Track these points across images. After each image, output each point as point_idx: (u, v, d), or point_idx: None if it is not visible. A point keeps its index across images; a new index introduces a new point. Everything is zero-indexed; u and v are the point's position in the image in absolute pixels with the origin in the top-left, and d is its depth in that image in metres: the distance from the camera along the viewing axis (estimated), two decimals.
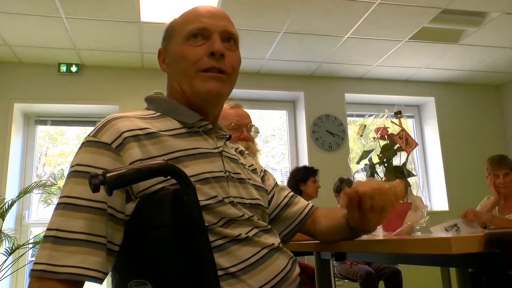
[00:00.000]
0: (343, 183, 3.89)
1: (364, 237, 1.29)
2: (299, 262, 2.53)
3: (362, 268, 3.44)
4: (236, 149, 1.21)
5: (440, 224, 2.24)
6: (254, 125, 2.08)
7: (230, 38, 1.08)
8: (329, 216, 1.25)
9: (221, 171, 1.00)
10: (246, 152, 1.26)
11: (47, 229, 0.85)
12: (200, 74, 1.03)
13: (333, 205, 3.97)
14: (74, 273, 0.81)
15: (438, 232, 2.07)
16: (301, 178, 3.78)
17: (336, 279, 3.72)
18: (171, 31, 1.11)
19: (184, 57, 1.04)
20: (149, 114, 1.04)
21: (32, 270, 0.82)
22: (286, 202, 1.25)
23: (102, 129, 0.93)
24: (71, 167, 0.90)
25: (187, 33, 1.05)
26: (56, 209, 0.87)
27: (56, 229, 0.84)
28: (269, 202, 1.23)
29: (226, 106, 2.03)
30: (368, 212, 1.02)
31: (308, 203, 1.29)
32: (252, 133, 2.05)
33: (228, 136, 1.13)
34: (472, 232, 1.36)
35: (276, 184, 1.29)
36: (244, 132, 1.99)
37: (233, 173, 1.04)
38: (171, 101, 1.09)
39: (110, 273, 0.91)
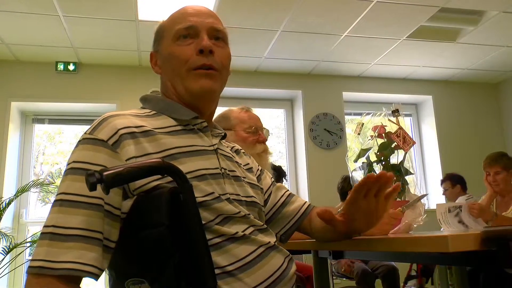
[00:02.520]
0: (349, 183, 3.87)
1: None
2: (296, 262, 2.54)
3: (359, 266, 3.44)
4: (232, 147, 1.21)
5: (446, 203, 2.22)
6: (265, 128, 2.14)
7: (218, 35, 1.09)
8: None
9: (217, 168, 1.01)
10: (242, 151, 1.26)
11: (44, 226, 0.85)
12: (191, 73, 1.04)
13: (332, 204, 3.97)
14: (72, 269, 0.81)
15: (442, 209, 1.99)
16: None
17: (333, 277, 3.73)
18: (160, 33, 1.12)
19: (174, 57, 1.05)
20: (145, 113, 1.05)
21: (30, 267, 0.82)
22: (283, 201, 1.25)
23: (99, 127, 0.93)
24: (68, 164, 0.91)
25: (175, 33, 1.06)
26: (53, 206, 0.87)
27: (53, 226, 0.84)
28: (266, 201, 1.23)
29: (237, 109, 2.10)
30: (371, 201, 0.99)
31: (305, 202, 1.29)
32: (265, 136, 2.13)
33: (223, 134, 1.13)
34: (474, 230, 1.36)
35: (273, 183, 1.29)
36: (261, 135, 2.06)
37: (229, 171, 1.05)
38: (166, 99, 1.10)
39: (107, 271, 0.91)
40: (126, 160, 0.90)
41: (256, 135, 2.02)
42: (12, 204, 3.91)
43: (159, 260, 0.79)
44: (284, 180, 3.85)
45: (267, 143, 2.10)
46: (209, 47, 1.04)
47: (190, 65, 1.04)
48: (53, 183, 4.43)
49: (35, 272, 0.81)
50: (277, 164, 4.06)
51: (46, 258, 0.81)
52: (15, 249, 3.68)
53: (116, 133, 0.92)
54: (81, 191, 0.86)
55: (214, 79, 1.06)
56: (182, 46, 1.05)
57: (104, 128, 0.93)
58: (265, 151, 2.03)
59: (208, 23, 1.07)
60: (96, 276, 0.84)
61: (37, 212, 4.52)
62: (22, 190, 3.83)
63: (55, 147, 4.93)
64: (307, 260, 3.77)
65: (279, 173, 3.65)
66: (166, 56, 1.08)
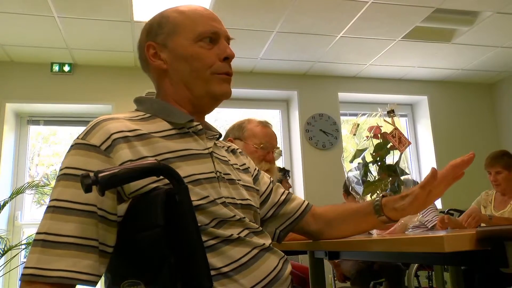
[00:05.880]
0: None
1: (358, 235, 1.29)
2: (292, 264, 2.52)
3: (355, 266, 3.40)
4: (228, 147, 1.21)
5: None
6: (279, 148, 2.10)
7: (229, 43, 1.12)
8: (342, 207, 1.29)
9: (212, 172, 1.00)
10: (239, 150, 1.25)
11: (37, 233, 0.85)
12: (215, 76, 1.06)
13: (330, 204, 3.95)
14: (65, 277, 0.80)
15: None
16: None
17: (335, 278, 3.69)
18: (173, 26, 1.08)
19: (199, 59, 1.05)
20: (139, 116, 1.04)
21: (22, 274, 0.81)
22: (283, 199, 1.26)
23: (91, 131, 0.93)
24: (61, 170, 0.90)
25: (199, 34, 1.06)
26: (45, 212, 0.86)
27: (45, 233, 0.83)
28: (266, 199, 1.23)
29: (255, 122, 2.07)
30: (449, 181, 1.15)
31: (305, 201, 1.30)
32: (275, 155, 2.08)
33: (217, 135, 1.12)
34: None
35: (272, 182, 1.29)
36: (270, 154, 2.02)
37: (224, 174, 1.04)
38: (161, 102, 1.09)
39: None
40: (120, 164, 0.89)
41: (264, 152, 1.99)
42: (7, 206, 3.89)
43: (155, 262, 0.79)
44: (287, 176, 3.79)
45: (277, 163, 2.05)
46: (233, 56, 1.09)
47: (214, 70, 1.06)
48: (49, 184, 4.41)
49: (28, 280, 0.80)
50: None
51: (38, 266, 0.81)
52: (10, 251, 3.66)
53: (109, 137, 0.91)
54: (74, 198, 0.85)
55: (230, 85, 1.10)
56: (206, 49, 1.06)
57: (97, 133, 0.92)
58: (269, 170, 1.96)
59: (225, 30, 1.11)
60: (93, 283, 0.83)
61: (32, 214, 4.50)
62: (17, 192, 3.81)
63: (50, 149, 4.91)
64: (303, 261, 3.77)
65: (282, 173, 3.61)
66: (186, 55, 1.06)
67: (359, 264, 3.40)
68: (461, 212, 3.82)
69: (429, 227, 3.29)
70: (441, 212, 3.89)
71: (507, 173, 3.09)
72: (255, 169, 1.26)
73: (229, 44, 1.12)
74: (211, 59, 1.06)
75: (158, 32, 1.09)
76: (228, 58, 1.08)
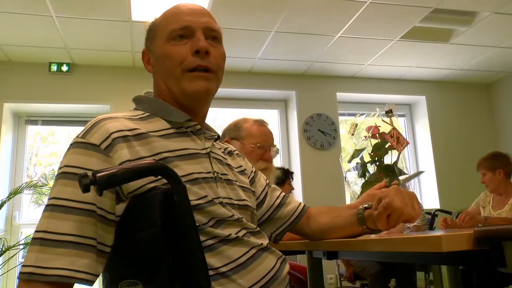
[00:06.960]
0: None
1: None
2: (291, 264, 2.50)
3: (373, 266, 3.24)
4: (225, 149, 1.20)
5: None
6: (275, 146, 2.08)
7: (214, 35, 1.08)
8: (332, 213, 1.25)
9: (210, 172, 1.00)
10: (236, 152, 1.25)
11: (35, 231, 0.84)
12: (186, 74, 1.03)
13: (328, 204, 3.94)
14: (63, 275, 0.80)
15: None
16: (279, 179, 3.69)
17: (342, 279, 3.65)
18: (153, 31, 1.10)
19: (169, 58, 1.04)
20: (138, 115, 1.04)
21: (20, 273, 0.81)
22: (279, 203, 1.25)
23: (91, 130, 0.92)
24: (60, 168, 0.90)
25: (169, 32, 1.05)
26: (44, 211, 0.86)
27: (44, 231, 0.83)
28: (262, 202, 1.22)
29: (251, 121, 2.05)
30: (394, 221, 1.02)
31: (300, 203, 1.29)
32: (272, 153, 2.06)
33: (216, 136, 1.12)
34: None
35: (268, 184, 1.28)
36: (267, 152, 2.00)
37: (221, 174, 1.04)
38: (159, 101, 1.08)
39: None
40: (119, 164, 0.89)
41: (261, 151, 1.98)
42: (5, 206, 3.88)
43: (153, 261, 0.79)
44: (291, 178, 3.78)
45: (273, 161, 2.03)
46: (205, 48, 1.02)
47: (185, 66, 1.02)
48: (47, 184, 4.40)
49: (25, 278, 0.80)
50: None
51: (36, 264, 0.80)
52: (8, 251, 3.65)
53: (108, 137, 0.91)
54: (73, 196, 0.85)
55: (210, 81, 1.05)
56: (177, 46, 1.03)
57: (97, 132, 0.92)
58: (267, 169, 1.95)
59: (203, 22, 1.06)
60: (90, 283, 0.83)
61: (30, 214, 4.48)
62: (15, 192, 3.80)
63: (49, 148, 4.90)
64: (302, 261, 3.77)
65: (285, 174, 3.57)
66: (160, 56, 1.06)
67: (377, 265, 3.27)
68: (448, 213, 3.84)
69: (411, 227, 3.23)
70: (426, 213, 3.87)
71: (491, 174, 3.17)
72: (252, 171, 1.26)
73: (219, 36, 1.09)
74: (182, 55, 1.02)
75: (147, 37, 1.13)
76: (199, 52, 1.02)
